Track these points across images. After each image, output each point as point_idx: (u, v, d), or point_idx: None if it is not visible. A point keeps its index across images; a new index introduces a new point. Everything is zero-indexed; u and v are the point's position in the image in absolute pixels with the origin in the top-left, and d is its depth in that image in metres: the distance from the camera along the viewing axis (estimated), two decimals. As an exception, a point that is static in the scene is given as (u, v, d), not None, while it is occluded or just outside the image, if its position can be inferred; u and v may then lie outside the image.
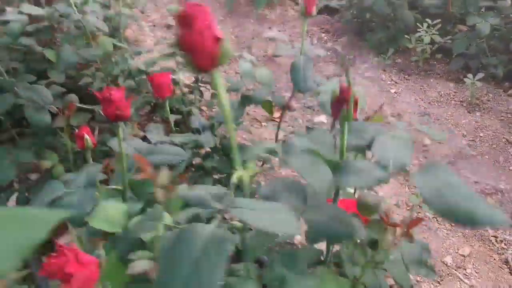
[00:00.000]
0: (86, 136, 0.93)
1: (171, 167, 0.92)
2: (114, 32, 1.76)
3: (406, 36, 2.40)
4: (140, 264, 0.64)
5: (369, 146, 0.81)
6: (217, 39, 0.45)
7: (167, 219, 0.60)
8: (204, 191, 0.52)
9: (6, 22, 1.45)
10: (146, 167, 0.58)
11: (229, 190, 0.54)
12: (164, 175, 0.58)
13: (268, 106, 1.33)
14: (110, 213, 0.68)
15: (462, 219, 0.59)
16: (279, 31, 2.89)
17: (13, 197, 1.55)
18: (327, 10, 2.89)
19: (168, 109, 1.18)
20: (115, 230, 0.66)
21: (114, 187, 0.88)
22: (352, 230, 0.70)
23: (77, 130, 0.95)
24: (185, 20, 0.44)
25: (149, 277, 0.63)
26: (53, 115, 1.44)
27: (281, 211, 0.52)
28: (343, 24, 2.74)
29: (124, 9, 1.66)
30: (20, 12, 1.48)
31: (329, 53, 2.67)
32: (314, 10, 1.22)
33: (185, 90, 1.85)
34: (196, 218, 0.55)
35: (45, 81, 1.50)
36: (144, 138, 1.16)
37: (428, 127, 2.06)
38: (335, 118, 0.70)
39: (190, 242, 0.47)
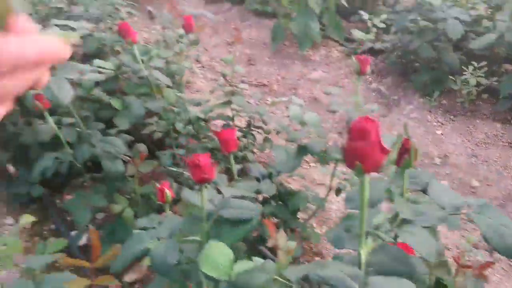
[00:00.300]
0: (167, 190, 1.04)
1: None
2: (171, 78, 1.89)
3: (451, 77, 2.45)
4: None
5: (423, 191, 0.88)
6: (384, 150, 0.52)
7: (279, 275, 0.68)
8: (338, 270, 0.59)
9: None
10: (273, 232, 0.68)
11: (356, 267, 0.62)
12: (282, 237, 0.67)
13: (323, 157, 1.41)
14: (218, 260, 0.76)
15: None
16: (324, 72, 2.98)
17: (85, 236, 1.68)
18: (371, 51, 2.97)
19: (233, 161, 1.28)
20: (223, 277, 0.74)
21: (193, 238, 0.97)
22: (412, 269, 0.77)
23: (158, 185, 1.05)
24: (359, 133, 0.52)
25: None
26: (124, 162, 1.57)
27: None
28: (387, 65, 2.82)
29: (186, 62, 1.80)
30: (94, 69, 1.62)
31: (374, 94, 2.75)
32: (368, 69, 1.31)
33: (239, 134, 1.96)
34: (305, 279, 0.62)
35: (114, 130, 1.64)
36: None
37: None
38: (398, 166, 0.78)
39: None
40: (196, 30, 1.81)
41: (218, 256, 0.76)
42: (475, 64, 2.34)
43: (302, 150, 1.41)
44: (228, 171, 1.58)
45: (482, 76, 2.33)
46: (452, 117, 2.43)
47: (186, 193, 1.04)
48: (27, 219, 1.14)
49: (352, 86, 2.81)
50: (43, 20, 2.13)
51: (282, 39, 3.29)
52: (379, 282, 0.59)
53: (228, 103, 1.81)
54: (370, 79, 2.83)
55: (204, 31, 3.75)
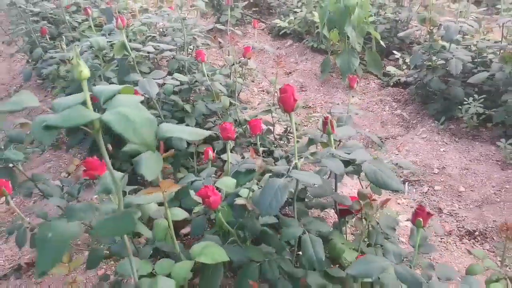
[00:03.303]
0: (210, 152, 1.75)
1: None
2: (232, 94, 2.63)
3: (459, 107, 2.99)
4: (241, 201, 1.40)
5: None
6: (295, 100, 1.20)
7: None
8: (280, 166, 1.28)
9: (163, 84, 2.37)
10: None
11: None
12: (260, 161, 1.35)
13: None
14: (228, 183, 1.46)
15: (384, 187, 1.27)
16: (359, 99, 3.61)
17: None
18: (401, 84, 3.56)
19: (258, 142, 1.96)
20: (231, 191, 1.43)
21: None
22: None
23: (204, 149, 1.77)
24: (282, 90, 1.20)
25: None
26: (188, 144, 2.31)
27: (314, 176, 1.25)
28: (410, 95, 3.40)
29: (238, 79, 2.54)
30: (173, 78, 2.39)
31: (397, 118, 3.33)
32: (355, 86, 1.96)
33: (277, 137, 2.65)
34: (276, 175, 1.28)
35: (183, 124, 2.39)
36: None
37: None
38: (324, 132, 1.43)
39: (273, 184, 1.22)
40: (250, 56, 2.54)
41: (228, 181, 1.46)
42: (476, 96, 2.87)
43: (311, 141, 2.07)
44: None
45: (480, 106, 2.85)
46: (456, 139, 2.96)
47: (224, 155, 1.76)
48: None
49: (380, 111, 3.42)
50: (143, 43, 2.97)
51: (329, 71, 3.96)
52: (301, 174, 1.25)
53: (268, 111, 2.52)
54: (395, 106, 3.42)
55: (268, 62, 4.53)
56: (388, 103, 3.47)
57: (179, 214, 1.38)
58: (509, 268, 1.91)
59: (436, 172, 2.74)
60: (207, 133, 0.96)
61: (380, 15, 4.08)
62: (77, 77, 0.80)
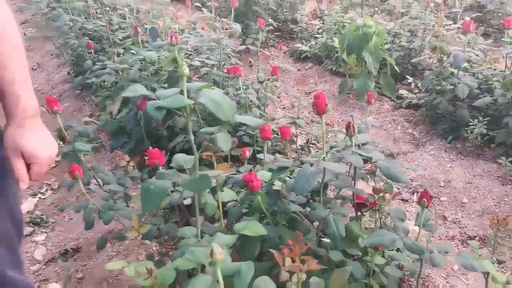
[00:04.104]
0: (247, 151, 2.07)
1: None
2: (261, 107, 2.96)
3: (465, 128, 3.29)
4: (276, 187, 1.71)
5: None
6: (326, 105, 1.52)
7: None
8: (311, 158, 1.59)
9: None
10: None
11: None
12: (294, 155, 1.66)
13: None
14: (265, 175, 1.77)
15: (395, 180, 1.57)
16: (374, 118, 3.92)
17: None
18: (413, 106, 3.88)
19: (287, 146, 2.28)
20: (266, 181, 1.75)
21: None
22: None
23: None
24: (316, 97, 1.52)
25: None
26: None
27: (339, 166, 1.56)
28: (421, 116, 3.71)
29: (268, 93, 2.87)
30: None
31: (408, 136, 3.63)
32: (372, 102, 2.27)
33: (299, 148, 2.97)
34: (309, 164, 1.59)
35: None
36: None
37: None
38: (347, 134, 1.74)
39: (306, 170, 1.53)
40: (278, 75, 2.88)
41: (265, 174, 1.77)
42: (481, 118, 3.17)
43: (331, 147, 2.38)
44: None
45: (485, 128, 3.15)
46: (462, 156, 3.25)
47: (258, 155, 2.08)
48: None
49: (392, 130, 3.73)
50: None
51: (347, 92, 4.30)
52: (328, 164, 1.56)
53: (293, 123, 2.84)
54: (407, 125, 3.73)
55: (290, 82, 4.88)
56: (400, 123, 3.78)
57: (227, 195, 1.69)
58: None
59: (442, 185, 3.02)
60: (261, 121, 1.28)
61: (395, 43, 4.42)
62: (180, 74, 1.13)
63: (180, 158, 1.40)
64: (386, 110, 4.06)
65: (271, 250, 1.24)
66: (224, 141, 1.18)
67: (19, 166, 1.03)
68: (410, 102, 3.88)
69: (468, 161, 3.19)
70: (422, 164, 3.23)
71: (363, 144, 1.80)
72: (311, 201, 1.83)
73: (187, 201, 2.55)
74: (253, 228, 1.59)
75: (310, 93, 4.62)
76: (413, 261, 1.71)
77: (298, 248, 1.15)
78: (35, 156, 1.05)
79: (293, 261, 1.17)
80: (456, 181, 3.03)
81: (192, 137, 1.21)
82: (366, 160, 1.77)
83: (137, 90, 1.15)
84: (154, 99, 1.14)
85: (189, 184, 1.17)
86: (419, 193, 2.99)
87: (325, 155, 1.62)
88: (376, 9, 5.52)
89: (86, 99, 4.54)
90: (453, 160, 3.24)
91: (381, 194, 1.85)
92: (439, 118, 3.53)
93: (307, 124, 3.58)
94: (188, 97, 1.16)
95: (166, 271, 1.24)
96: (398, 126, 3.76)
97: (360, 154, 1.67)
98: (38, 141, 1.05)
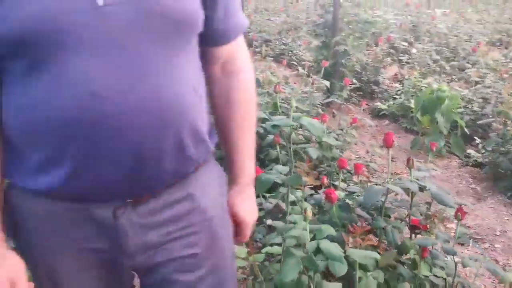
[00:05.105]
0: (325, 179, 2.64)
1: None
2: (340, 151, 3.53)
3: (525, 186, 3.64)
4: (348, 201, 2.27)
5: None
6: (393, 140, 2.10)
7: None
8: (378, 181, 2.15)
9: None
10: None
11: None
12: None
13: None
14: (340, 193, 2.34)
15: (443, 203, 2.09)
16: (441, 173, 4.34)
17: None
18: (478, 164, 4.27)
19: (358, 179, 2.81)
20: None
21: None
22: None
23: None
24: (386, 134, 2.10)
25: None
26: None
27: (399, 188, 2.11)
28: (485, 173, 4.09)
29: (347, 139, 3.45)
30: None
31: (471, 191, 4.01)
32: (392, 145, 2.78)
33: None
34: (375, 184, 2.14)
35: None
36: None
37: None
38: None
39: (374, 188, 2.09)
40: (357, 124, 3.46)
41: (340, 193, 2.33)
42: (539, 179, 3.52)
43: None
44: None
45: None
46: (521, 213, 3.59)
47: (334, 182, 2.65)
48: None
49: (457, 184, 4.13)
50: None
51: (418, 148, 4.76)
52: (392, 185, 2.10)
53: (367, 165, 3.38)
54: (471, 181, 4.11)
55: (366, 136, 5.42)
56: (465, 178, 4.17)
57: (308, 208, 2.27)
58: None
59: (498, 234, 3.37)
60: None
61: (468, 108, 4.86)
62: (291, 106, 1.77)
63: (278, 167, 2.02)
64: (454, 167, 4.46)
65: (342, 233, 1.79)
66: (313, 152, 1.79)
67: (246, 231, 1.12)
68: (476, 160, 4.28)
69: (526, 216, 3.52)
70: (481, 215, 3.60)
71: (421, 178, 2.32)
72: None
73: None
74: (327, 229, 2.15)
75: (382, 146, 5.12)
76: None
77: (359, 229, 1.69)
78: (245, 221, 1.10)
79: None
80: (511, 232, 3.37)
81: (291, 147, 1.83)
82: (422, 189, 2.28)
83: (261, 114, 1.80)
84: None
85: (290, 179, 1.78)
86: (475, 239, 3.36)
87: (388, 180, 2.17)
88: (454, 76, 5.99)
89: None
90: (511, 214, 3.57)
91: (432, 219, 2.33)
92: (502, 176, 3.89)
93: (378, 170, 4.08)
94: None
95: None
96: (463, 181, 4.15)
97: (417, 182, 2.20)
98: (250, 207, 1.11)
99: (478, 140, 4.45)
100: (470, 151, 4.47)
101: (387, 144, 2.12)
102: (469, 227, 3.55)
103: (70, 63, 0.82)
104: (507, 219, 3.52)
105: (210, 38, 1.05)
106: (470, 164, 4.36)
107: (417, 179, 2.57)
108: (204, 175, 1.03)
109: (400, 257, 2.22)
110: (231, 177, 1.13)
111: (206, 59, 1.08)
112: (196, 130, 0.96)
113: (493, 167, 3.96)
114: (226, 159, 1.17)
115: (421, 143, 4.78)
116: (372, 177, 3.88)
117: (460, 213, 1.96)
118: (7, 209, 0.96)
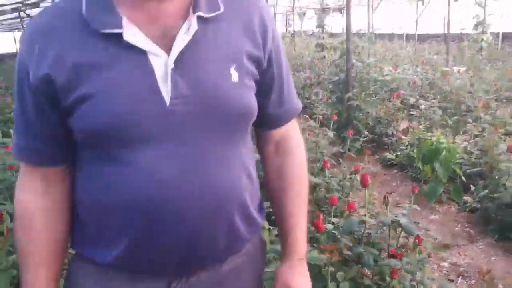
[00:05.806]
0: (320, 215, 3.12)
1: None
2: (346, 194, 3.99)
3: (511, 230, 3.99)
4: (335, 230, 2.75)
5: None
6: (367, 181, 2.59)
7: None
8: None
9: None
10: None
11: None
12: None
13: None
14: (328, 226, 2.82)
15: (410, 233, 2.55)
16: (439, 217, 4.73)
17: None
18: (474, 210, 4.65)
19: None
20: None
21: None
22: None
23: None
24: (362, 176, 2.60)
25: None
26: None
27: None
28: (477, 218, 4.46)
29: (348, 183, 3.93)
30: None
31: (465, 234, 4.38)
32: (367, 185, 3.24)
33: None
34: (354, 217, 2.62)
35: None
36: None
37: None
38: None
39: (352, 219, 2.57)
40: (360, 172, 3.94)
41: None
42: (524, 222, 3.89)
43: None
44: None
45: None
46: (507, 253, 3.93)
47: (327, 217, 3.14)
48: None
49: (453, 227, 4.50)
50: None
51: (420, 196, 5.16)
52: (367, 218, 2.57)
53: (363, 207, 3.83)
54: (466, 225, 4.49)
55: (374, 184, 5.85)
56: (461, 222, 4.55)
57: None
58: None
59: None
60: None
61: (466, 159, 5.28)
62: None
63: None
64: (452, 213, 4.84)
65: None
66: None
67: None
68: (472, 206, 4.66)
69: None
70: (470, 255, 3.96)
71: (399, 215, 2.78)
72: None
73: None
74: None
75: (390, 193, 5.54)
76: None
77: (330, 247, 2.17)
78: None
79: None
80: (497, 271, 3.72)
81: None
82: (394, 222, 2.73)
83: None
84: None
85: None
86: (464, 276, 3.70)
87: (366, 215, 2.65)
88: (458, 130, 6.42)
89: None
90: (498, 255, 3.92)
91: (406, 249, 2.77)
92: (491, 220, 4.26)
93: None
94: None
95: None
96: (459, 225, 4.52)
97: (391, 218, 2.67)
98: (302, 282, 1.10)
99: (473, 188, 4.84)
100: (468, 198, 4.85)
101: (363, 184, 2.61)
102: (458, 265, 3.90)
103: (140, 154, 0.91)
104: (494, 259, 3.87)
105: (265, 123, 1.14)
106: (467, 209, 4.74)
107: (395, 215, 3.04)
108: (249, 253, 1.11)
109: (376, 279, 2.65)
110: (284, 251, 1.15)
111: (260, 139, 1.19)
112: (248, 212, 1.04)
113: (483, 212, 4.34)
114: (279, 233, 1.21)
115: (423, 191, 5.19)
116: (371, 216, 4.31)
117: (417, 240, 2.41)
118: (67, 280, 1.08)
